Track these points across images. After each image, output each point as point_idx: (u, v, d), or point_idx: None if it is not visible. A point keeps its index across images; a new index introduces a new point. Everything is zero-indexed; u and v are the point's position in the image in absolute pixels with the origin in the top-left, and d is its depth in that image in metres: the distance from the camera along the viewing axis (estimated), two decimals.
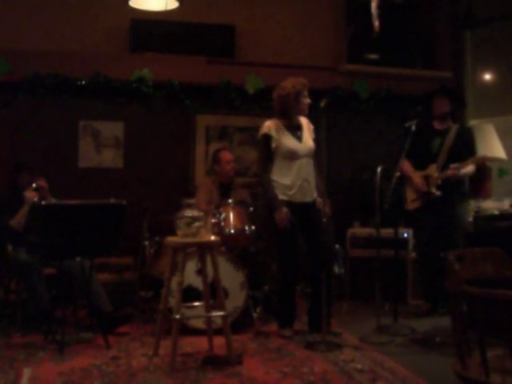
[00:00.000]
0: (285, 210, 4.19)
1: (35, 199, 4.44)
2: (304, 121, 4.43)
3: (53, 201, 4.51)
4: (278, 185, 4.26)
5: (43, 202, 3.98)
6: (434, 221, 4.74)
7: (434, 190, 4.65)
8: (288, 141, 4.28)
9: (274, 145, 4.28)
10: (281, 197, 4.24)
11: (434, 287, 4.80)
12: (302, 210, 4.26)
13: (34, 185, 4.49)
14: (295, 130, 4.34)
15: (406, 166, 4.84)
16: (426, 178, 4.75)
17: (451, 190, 4.66)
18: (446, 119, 4.87)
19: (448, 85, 5.25)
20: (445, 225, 4.69)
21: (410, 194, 4.89)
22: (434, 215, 4.73)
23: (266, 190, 4.30)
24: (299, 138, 4.32)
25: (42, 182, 4.54)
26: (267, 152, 4.31)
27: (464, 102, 5.04)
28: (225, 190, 5.12)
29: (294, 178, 4.26)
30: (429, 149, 4.81)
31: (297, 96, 4.27)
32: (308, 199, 4.31)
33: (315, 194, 4.35)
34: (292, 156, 4.27)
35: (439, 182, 4.66)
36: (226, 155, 5.19)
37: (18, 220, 4.43)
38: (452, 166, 4.61)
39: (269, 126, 4.33)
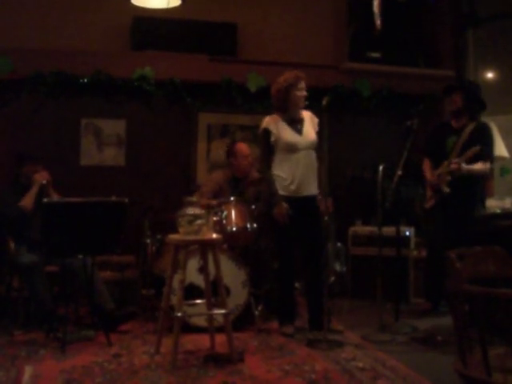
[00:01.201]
0: (284, 205, 4.20)
1: (44, 182, 4.51)
2: (307, 114, 4.42)
3: (55, 197, 4.54)
4: (278, 178, 4.27)
5: (45, 200, 3.98)
6: (446, 220, 4.72)
7: (443, 187, 4.61)
8: (286, 134, 4.29)
9: (273, 139, 4.29)
10: (281, 192, 4.24)
11: (436, 286, 4.79)
12: (301, 205, 4.26)
13: (44, 181, 4.53)
14: (295, 124, 4.34)
15: (426, 164, 4.85)
16: (439, 176, 4.72)
17: (463, 190, 4.59)
18: (460, 116, 4.77)
19: (466, 82, 5.14)
20: (456, 225, 4.65)
21: (428, 192, 4.88)
22: (446, 214, 4.70)
23: (268, 186, 4.31)
24: (299, 131, 4.32)
25: (46, 175, 4.58)
26: (268, 147, 4.32)
27: (482, 102, 4.86)
28: (237, 185, 5.03)
29: (294, 171, 4.26)
30: (443, 147, 4.76)
31: (288, 89, 4.27)
32: (308, 193, 4.31)
33: (316, 189, 4.35)
34: (291, 149, 4.27)
35: (449, 178, 4.61)
36: (243, 149, 5.04)
37: (27, 201, 4.45)
38: (453, 160, 4.58)
39: (268, 121, 4.35)
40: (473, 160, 4.56)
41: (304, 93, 4.32)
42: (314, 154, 4.37)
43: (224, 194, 4.94)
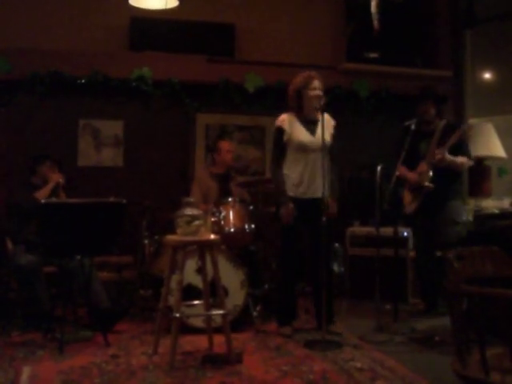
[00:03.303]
0: (290, 205, 4.19)
1: (60, 180, 4.64)
2: (325, 116, 4.31)
3: (63, 199, 4.61)
4: (288, 178, 4.27)
5: (43, 201, 3.98)
6: (429, 221, 4.74)
7: (426, 183, 4.61)
8: (299, 134, 4.27)
9: (285, 137, 4.28)
10: (289, 192, 4.24)
11: (429, 287, 4.81)
12: (308, 206, 4.21)
13: (60, 180, 4.66)
14: (309, 124, 4.28)
15: (402, 169, 4.79)
16: (420, 175, 4.72)
17: (443, 186, 4.59)
18: (432, 122, 4.78)
19: (429, 85, 5.16)
20: (437, 224, 4.68)
21: (407, 197, 4.86)
22: (429, 216, 4.72)
23: (275, 184, 4.31)
24: (312, 132, 4.25)
25: (62, 177, 4.69)
26: (279, 145, 4.31)
27: (445, 99, 4.97)
28: (223, 180, 5.15)
29: (303, 172, 4.24)
30: (417, 151, 4.73)
31: (301, 89, 4.27)
32: (316, 195, 4.23)
33: (324, 191, 4.27)
34: (302, 149, 4.24)
35: (430, 174, 4.61)
36: (227, 145, 5.23)
37: (41, 194, 4.52)
38: (437, 151, 4.54)
39: (283, 119, 4.33)
40: (454, 152, 4.57)
41: (317, 92, 4.26)
42: (325, 157, 4.28)
43: (211, 191, 5.04)
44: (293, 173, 4.27)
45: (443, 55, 6.55)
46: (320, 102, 4.20)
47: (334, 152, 4.40)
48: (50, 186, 4.61)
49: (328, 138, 4.31)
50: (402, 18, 6.32)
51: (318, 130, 4.25)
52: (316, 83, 4.28)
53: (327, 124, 4.35)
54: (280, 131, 4.30)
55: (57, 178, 4.65)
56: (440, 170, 4.57)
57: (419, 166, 4.71)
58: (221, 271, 3.76)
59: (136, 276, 5.06)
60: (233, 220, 4.58)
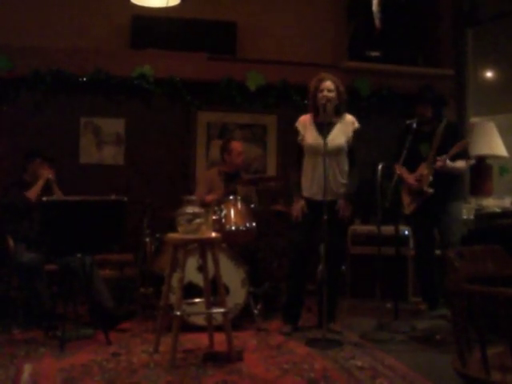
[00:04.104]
0: (301, 202, 4.26)
1: (50, 176, 4.61)
2: (346, 118, 4.35)
3: (59, 195, 4.62)
4: (302, 178, 4.34)
5: (44, 199, 3.98)
6: (429, 221, 4.74)
7: (426, 188, 4.61)
8: (309, 136, 4.30)
9: (299, 138, 4.36)
10: (303, 191, 4.30)
11: (429, 286, 4.81)
12: (318, 208, 4.11)
13: (50, 176, 4.63)
14: (323, 127, 4.18)
15: (401, 169, 4.78)
16: (420, 178, 4.71)
17: (443, 188, 4.60)
18: (430, 122, 4.77)
19: (427, 85, 5.15)
20: (438, 224, 4.69)
21: (406, 198, 4.85)
22: (429, 216, 4.72)
23: (290, 183, 4.40)
24: (324, 135, 4.13)
25: (52, 172, 4.66)
26: (297, 145, 4.39)
27: (445, 101, 5.00)
28: (230, 179, 5.13)
29: (312, 174, 4.26)
30: (418, 152, 4.74)
31: (314, 92, 4.29)
32: (327, 197, 4.08)
33: (337, 193, 4.26)
34: (313, 151, 4.25)
35: (431, 179, 4.61)
36: (238, 146, 5.22)
37: (32, 193, 4.51)
38: (438, 158, 4.55)
39: (299, 120, 4.42)
40: (453, 158, 4.58)
41: (324, 93, 4.22)
42: (339, 159, 4.29)
43: (217, 190, 5.02)
44: (305, 173, 4.32)
45: (445, 54, 6.55)
46: (322, 103, 4.19)
47: (353, 155, 4.37)
48: (41, 183, 4.59)
49: (343, 140, 4.29)
50: (403, 17, 6.31)
51: (332, 133, 4.26)
52: (325, 85, 4.26)
53: (346, 126, 4.34)
54: (296, 132, 4.39)
55: (46, 174, 4.62)
56: (440, 172, 4.57)
57: (419, 168, 4.70)
58: (222, 269, 3.76)
59: (137, 274, 5.06)
60: (234, 218, 4.58)
